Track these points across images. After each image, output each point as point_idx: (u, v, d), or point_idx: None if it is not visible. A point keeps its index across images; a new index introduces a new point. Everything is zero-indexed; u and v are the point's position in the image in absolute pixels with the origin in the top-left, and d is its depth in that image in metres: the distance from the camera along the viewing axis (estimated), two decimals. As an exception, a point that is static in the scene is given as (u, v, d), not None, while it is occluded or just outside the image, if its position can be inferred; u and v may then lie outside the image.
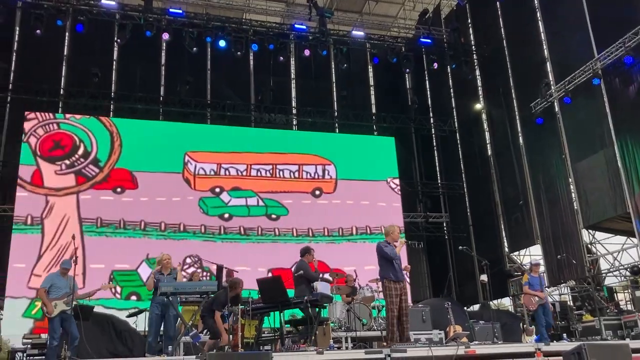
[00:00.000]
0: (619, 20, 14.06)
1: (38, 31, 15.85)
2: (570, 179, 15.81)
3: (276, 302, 7.91)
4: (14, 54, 17.90)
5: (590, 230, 15.74)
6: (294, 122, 19.93)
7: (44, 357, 9.85)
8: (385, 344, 7.91)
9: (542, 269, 10.74)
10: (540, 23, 17.06)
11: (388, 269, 8.03)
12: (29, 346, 12.11)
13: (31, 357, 12.11)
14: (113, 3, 16.63)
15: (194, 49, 17.24)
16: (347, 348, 9.09)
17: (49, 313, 8.17)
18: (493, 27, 19.30)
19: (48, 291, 8.27)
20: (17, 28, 17.97)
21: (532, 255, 18.03)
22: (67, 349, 8.13)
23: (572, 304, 14.77)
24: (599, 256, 16.00)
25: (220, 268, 9.51)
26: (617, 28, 13.95)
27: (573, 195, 15.70)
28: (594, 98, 14.89)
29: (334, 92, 21.06)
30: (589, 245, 15.88)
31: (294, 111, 19.90)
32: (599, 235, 15.95)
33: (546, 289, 10.55)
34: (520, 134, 17.91)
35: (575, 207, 15.55)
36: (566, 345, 7.33)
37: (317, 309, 8.20)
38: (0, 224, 16.66)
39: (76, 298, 8.34)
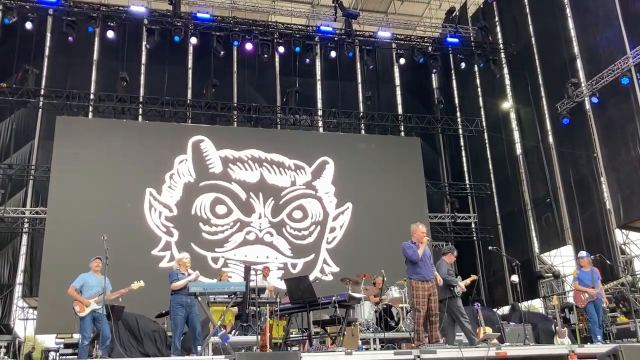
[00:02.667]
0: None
1: (70, 38, 16.17)
2: (602, 178, 15.46)
3: (304, 302, 7.90)
4: (46, 60, 18.33)
5: (624, 230, 15.37)
6: (319, 124, 19.95)
7: (76, 356, 10.01)
8: (413, 345, 7.82)
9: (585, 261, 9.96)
10: (569, 19, 16.74)
11: (413, 269, 7.90)
12: (61, 346, 12.36)
13: (64, 357, 12.34)
14: (142, 9, 16.87)
15: (222, 52, 17.38)
16: (375, 349, 9.03)
17: (79, 312, 8.26)
18: (521, 24, 19.04)
19: (80, 291, 8.37)
20: (49, 35, 18.42)
21: (562, 255, 17.71)
22: (99, 349, 8.23)
23: (606, 305, 14.43)
24: (633, 257, 15.62)
25: (248, 268, 9.57)
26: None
27: (605, 194, 15.36)
28: (626, 95, 14.51)
29: (360, 93, 21.04)
30: (623, 246, 15.52)
31: (320, 112, 19.91)
32: (633, 235, 15.56)
33: (600, 283, 9.93)
34: (550, 132, 17.60)
35: (608, 207, 15.21)
36: (601, 347, 7.16)
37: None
38: (33, 226, 17.11)
39: (107, 299, 8.42)
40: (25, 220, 17.17)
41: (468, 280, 9.04)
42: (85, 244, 12.87)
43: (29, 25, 15.92)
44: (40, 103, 17.30)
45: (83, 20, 16.15)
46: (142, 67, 19.04)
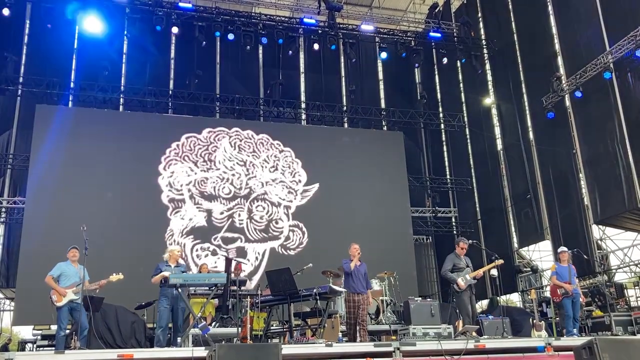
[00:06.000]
0: (631, 12, 13.90)
1: (49, 25, 15.88)
2: (580, 174, 15.69)
3: (285, 295, 7.91)
4: (25, 47, 18.01)
5: (601, 226, 15.63)
6: (303, 117, 19.91)
7: (53, 348, 9.90)
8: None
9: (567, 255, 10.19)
10: (551, 16, 16.92)
11: (346, 282, 8.86)
12: (38, 337, 12.22)
13: (41, 348, 12.20)
14: (123, -4, 16.63)
15: (204, 42, 17.23)
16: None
17: (57, 301, 8.17)
18: (503, 21, 19.18)
19: (57, 280, 8.28)
20: (28, 21, 18.09)
21: (541, 250, 17.96)
22: (77, 340, 8.15)
23: (583, 301, 14.68)
24: (609, 252, 15.89)
25: (229, 260, 9.53)
26: (630, 20, 13.79)
27: (583, 190, 15.60)
28: (606, 92, 14.72)
29: (343, 87, 21.04)
30: (599, 241, 15.78)
31: (303, 105, 19.87)
32: (609, 231, 15.84)
33: (576, 279, 10.10)
34: (530, 129, 17.80)
35: (586, 203, 15.45)
36: (576, 340, 7.28)
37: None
38: (10, 216, 16.86)
39: (85, 289, 8.34)
40: (3, 209, 16.90)
41: (480, 271, 9.08)
42: (63, 235, 12.70)
43: (6, 11, 15.59)
44: (19, 91, 16.99)
45: (62, 7, 15.85)
46: (124, 57, 18.81)
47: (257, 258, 16.07)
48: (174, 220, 15.92)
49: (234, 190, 16.54)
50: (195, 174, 16.42)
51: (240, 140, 17.08)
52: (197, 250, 15.81)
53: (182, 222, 15.95)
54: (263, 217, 16.52)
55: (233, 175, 16.65)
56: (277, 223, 16.62)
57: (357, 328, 8.59)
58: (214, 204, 16.27)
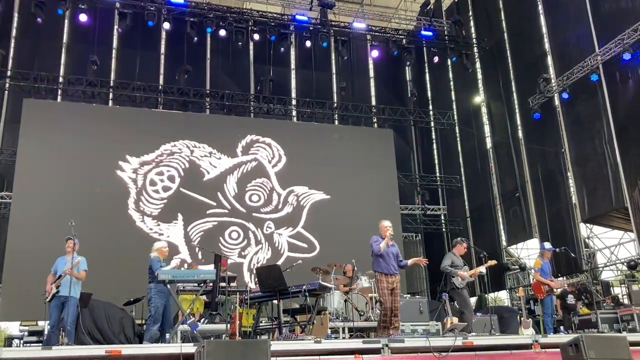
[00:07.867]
0: (620, 14, 14.02)
1: (39, 19, 15.73)
2: (569, 173, 15.82)
3: (274, 291, 7.90)
4: (13, 40, 17.83)
5: (588, 225, 15.77)
6: (293, 113, 19.88)
7: (41, 343, 9.86)
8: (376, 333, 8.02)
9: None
10: (541, 16, 17.01)
11: (377, 263, 8.15)
12: (26, 333, 12.13)
13: (28, 344, 12.11)
14: (114, -9, 16.51)
15: (195, 38, 17.16)
16: (344, 338, 9.10)
17: (46, 299, 8.21)
18: (494, 20, 19.27)
19: (56, 275, 8.32)
20: (16, 15, 17.90)
21: (529, 248, 18.10)
22: (64, 336, 8.13)
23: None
24: (596, 250, 16.05)
25: (218, 257, 9.51)
26: (619, 22, 13.90)
27: (571, 189, 15.73)
28: (594, 92, 14.85)
29: (334, 84, 21.04)
30: (587, 240, 15.92)
31: (294, 102, 19.84)
32: (597, 229, 15.99)
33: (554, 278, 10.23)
34: (519, 128, 17.90)
35: (574, 201, 15.58)
36: (563, 337, 7.35)
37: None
38: (-3, 211, 16.71)
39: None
40: (-11, 204, 16.74)
41: (477, 270, 9.08)
42: (51, 230, 12.65)
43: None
44: (7, 85, 16.82)
45: (52, 1, 15.72)
46: (114, 51, 18.67)
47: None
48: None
49: (263, 202, 16.55)
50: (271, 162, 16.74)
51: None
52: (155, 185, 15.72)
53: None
54: (230, 243, 16.15)
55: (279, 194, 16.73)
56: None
57: (391, 315, 7.99)
58: (233, 186, 16.26)
